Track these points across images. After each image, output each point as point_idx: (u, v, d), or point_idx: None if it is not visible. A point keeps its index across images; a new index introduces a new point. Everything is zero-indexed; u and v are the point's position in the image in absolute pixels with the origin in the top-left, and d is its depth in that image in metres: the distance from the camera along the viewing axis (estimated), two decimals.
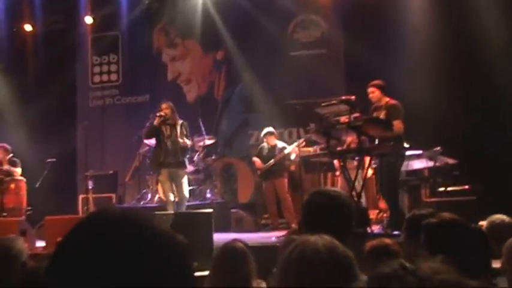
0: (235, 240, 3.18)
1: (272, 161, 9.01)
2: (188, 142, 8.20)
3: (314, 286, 1.48)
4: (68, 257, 0.94)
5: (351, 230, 2.74)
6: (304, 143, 9.04)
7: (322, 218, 2.61)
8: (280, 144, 9.27)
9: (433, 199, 7.02)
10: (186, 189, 8.11)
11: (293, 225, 8.22)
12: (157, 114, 7.99)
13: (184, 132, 8.12)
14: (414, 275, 0.82)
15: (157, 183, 9.39)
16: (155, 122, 7.97)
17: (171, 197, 8.01)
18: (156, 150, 8.13)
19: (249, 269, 3.10)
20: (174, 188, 8.18)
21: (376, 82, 7.06)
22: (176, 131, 8.01)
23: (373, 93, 6.99)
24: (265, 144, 9.33)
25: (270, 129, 9.30)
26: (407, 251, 3.24)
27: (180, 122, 8.17)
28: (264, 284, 3.15)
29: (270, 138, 9.22)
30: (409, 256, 2.86)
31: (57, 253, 0.97)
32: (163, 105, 8.12)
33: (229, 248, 3.16)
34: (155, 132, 8.01)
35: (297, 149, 8.86)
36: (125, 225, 0.96)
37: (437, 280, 0.81)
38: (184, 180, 8.08)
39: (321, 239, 1.57)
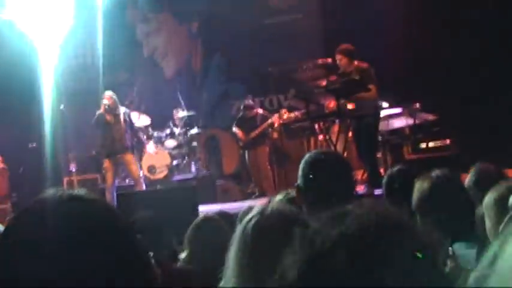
0: (207, 214, 3.18)
1: (255, 132, 9.01)
2: (134, 125, 8.73)
3: (267, 259, 1.48)
4: (16, 233, 0.95)
5: (352, 192, 2.63)
6: (286, 112, 9.01)
7: (320, 178, 2.47)
8: (260, 112, 9.27)
9: (414, 156, 7.06)
10: (137, 169, 8.44)
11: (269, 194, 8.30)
12: (103, 102, 8.24)
13: (127, 120, 8.42)
14: (355, 213, 0.82)
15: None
16: (100, 110, 8.22)
17: (111, 184, 8.26)
18: (102, 138, 8.41)
19: (223, 241, 3.09)
20: (125, 172, 8.83)
21: (342, 48, 6.92)
22: (120, 119, 8.28)
23: (341, 60, 6.89)
24: (245, 113, 9.32)
25: (250, 101, 9.34)
26: None
27: (123, 110, 8.46)
28: None
29: (251, 108, 9.23)
30: None
31: (6, 230, 0.97)
32: (106, 95, 8.37)
33: (202, 221, 3.16)
34: (101, 120, 8.25)
35: (278, 117, 8.86)
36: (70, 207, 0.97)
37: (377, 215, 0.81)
38: (133, 161, 8.41)
39: (278, 206, 1.56)
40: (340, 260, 0.76)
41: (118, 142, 8.21)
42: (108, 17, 12.19)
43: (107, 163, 8.35)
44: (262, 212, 1.56)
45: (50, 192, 1.02)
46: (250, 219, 1.56)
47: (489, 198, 2.41)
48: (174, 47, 12.14)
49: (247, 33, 10.89)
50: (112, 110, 8.23)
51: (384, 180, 3.43)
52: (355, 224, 0.79)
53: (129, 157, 8.33)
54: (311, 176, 2.45)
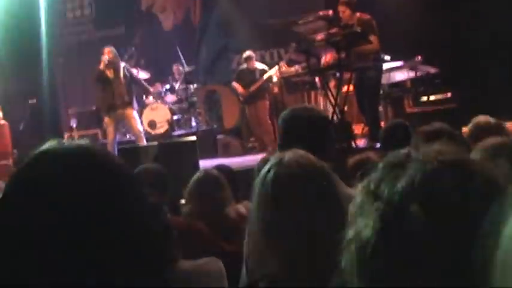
0: (206, 168, 3.18)
1: (255, 85, 8.96)
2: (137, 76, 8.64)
3: (291, 206, 1.47)
4: (17, 190, 0.92)
5: (330, 144, 2.71)
6: (284, 65, 8.94)
7: (298, 133, 2.55)
8: (260, 66, 9.20)
9: (415, 109, 7.03)
10: (137, 123, 8.31)
11: (269, 148, 8.32)
12: (103, 57, 8.10)
13: (127, 74, 8.30)
14: (417, 160, 0.80)
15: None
16: (100, 66, 8.10)
17: (112, 139, 8.21)
18: (103, 94, 8.27)
19: (223, 195, 3.12)
20: (126, 128, 8.79)
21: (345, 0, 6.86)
22: (119, 74, 8.17)
23: (343, 12, 6.83)
24: (244, 67, 9.25)
25: (250, 53, 9.22)
26: None
27: (123, 64, 8.35)
28: (243, 209, 3.17)
29: (251, 62, 9.14)
30: None
31: (7, 190, 0.94)
32: (106, 50, 8.21)
33: (201, 177, 3.17)
34: (101, 76, 8.15)
35: (277, 71, 8.79)
36: (72, 158, 0.95)
37: (440, 161, 0.79)
38: (134, 116, 8.28)
39: (294, 155, 1.54)
40: (414, 215, 0.75)
41: (118, 97, 8.13)
42: None
43: (107, 118, 8.30)
44: (280, 162, 1.53)
45: (51, 143, 0.99)
46: (269, 170, 1.53)
47: (475, 150, 2.37)
48: (172, 1, 11.96)
49: None
50: (112, 65, 8.13)
51: (381, 135, 3.43)
52: (420, 173, 0.78)
53: (130, 112, 8.26)
54: (285, 132, 2.53)
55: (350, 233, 0.84)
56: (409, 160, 0.81)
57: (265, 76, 8.92)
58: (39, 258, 0.85)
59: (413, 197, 0.76)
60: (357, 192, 0.86)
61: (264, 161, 2.24)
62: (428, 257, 0.74)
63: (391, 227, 0.77)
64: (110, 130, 8.27)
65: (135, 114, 8.35)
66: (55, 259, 0.85)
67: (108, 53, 8.13)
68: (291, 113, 2.69)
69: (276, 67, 8.92)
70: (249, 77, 9.09)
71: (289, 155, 1.55)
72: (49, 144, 0.98)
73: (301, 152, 1.58)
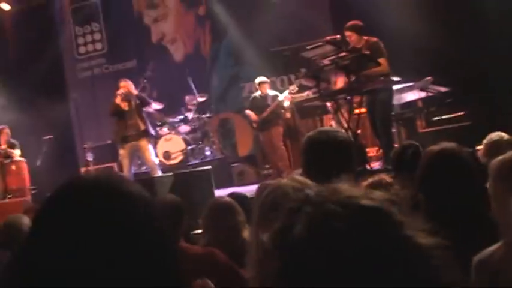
0: (219, 196, 3.20)
1: (267, 111, 9.01)
2: (151, 104, 8.70)
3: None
4: (44, 227, 0.94)
5: (352, 167, 2.70)
6: (296, 89, 9.00)
7: (320, 156, 2.56)
8: (271, 92, 9.26)
9: (428, 129, 7.02)
10: (151, 155, 8.36)
11: (284, 174, 8.29)
12: (118, 92, 8.20)
13: (139, 103, 8.34)
14: (313, 202, 0.81)
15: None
16: (117, 100, 8.19)
17: (128, 171, 8.24)
18: (117, 126, 8.37)
19: (237, 221, 3.13)
20: (141, 159, 8.86)
21: (351, 24, 6.91)
22: (133, 105, 8.25)
23: (350, 37, 6.89)
24: (256, 94, 9.32)
25: (263, 78, 9.31)
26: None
27: (135, 93, 8.42)
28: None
29: (264, 86, 9.21)
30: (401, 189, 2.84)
31: (34, 226, 0.97)
32: (121, 83, 8.34)
33: (214, 204, 3.19)
34: (117, 110, 8.25)
35: (289, 96, 8.84)
36: (96, 192, 0.97)
37: (332, 202, 0.80)
38: (148, 148, 8.33)
39: (292, 182, 1.56)
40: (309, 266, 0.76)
41: (132, 128, 8.21)
42: (113, 3, 12.23)
43: (122, 151, 8.36)
44: (278, 186, 1.55)
45: (78, 177, 1.02)
46: (268, 195, 1.55)
47: (493, 162, 2.35)
48: (182, 32, 12.12)
49: (255, 13, 10.82)
50: (127, 97, 8.23)
51: (391, 157, 3.44)
52: (310, 219, 0.79)
53: (144, 143, 8.30)
54: (310, 155, 2.54)
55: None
56: (306, 203, 0.81)
57: (277, 101, 8.97)
58: None
59: (306, 244, 0.76)
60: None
61: (263, 187, 2.26)
62: None
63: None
64: (126, 162, 8.32)
65: (149, 146, 8.39)
66: None
67: (123, 87, 8.23)
68: (315, 135, 2.67)
69: (287, 91, 8.99)
70: (261, 103, 9.14)
71: (285, 181, 1.57)
72: (71, 179, 1.01)
73: (299, 178, 1.59)
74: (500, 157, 2.56)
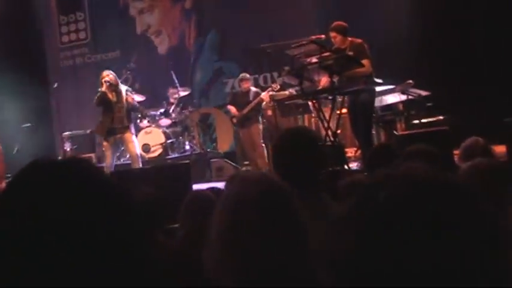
0: (198, 189, 3.18)
1: (247, 108, 9.03)
2: (134, 99, 8.51)
3: (247, 227, 1.48)
4: (5, 208, 0.92)
5: (320, 167, 2.74)
6: (278, 87, 9.03)
7: (289, 154, 2.60)
8: (253, 89, 9.30)
9: (408, 132, 7.07)
10: (135, 147, 8.29)
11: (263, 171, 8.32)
12: (103, 80, 8.05)
13: (129, 99, 8.27)
14: (395, 178, 0.84)
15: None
16: (103, 88, 8.05)
17: (110, 163, 8.17)
18: (104, 117, 8.20)
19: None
20: (124, 151, 8.83)
21: (336, 25, 6.95)
22: (122, 97, 8.15)
23: (335, 38, 6.92)
24: (238, 90, 9.36)
25: (246, 74, 9.34)
26: None
27: (125, 88, 8.34)
28: None
29: (245, 83, 9.24)
30: None
31: None
32: (105, 72, 8.19)
33: (192, 198, 3.17)
34: (104, 99, 8.10)
35: (269, 93, 8.91)
36: (62, 173, 0.95)
37: (416, 176, 0.83)
38: (132, 140, 8.28)
39: (256, 178, 1.55)
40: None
41: (118, 121, 8.12)
42: None
43: (105, 143, 8.27)
44: (241, 184, 1.55)
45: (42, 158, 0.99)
46: (231, 192, 1.55)
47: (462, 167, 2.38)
48: (167, 25, 12.06)
49: (241, 10, 10.81)
50: (114, 87, 8.11)
51: (365, 158, 3.47)
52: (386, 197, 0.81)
53: (128, 135, 8.23)
54: (280, 153, 2.59)
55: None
56: (388, 179, 0.83)
57: (258, 98, 9.01)
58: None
59: (397, 209, 0.79)
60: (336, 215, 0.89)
61: (231, 179, 2.27)
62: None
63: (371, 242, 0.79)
64: (108, 154, 8.23)
65: (133, 138, 8.34)
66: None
67: (108, 76, 8.11)
68: (284, 134, 2.74)
69: (269, 89, 9.03)
70: (242, 99, 9.18)
71: (253, 176, 1.56)
72: (38, 159, 0.99)
73: (267, 174, 1.60)
74: (469, 163, 2.60)
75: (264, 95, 9.00)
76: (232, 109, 9.27)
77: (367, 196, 0.83)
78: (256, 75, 10.70)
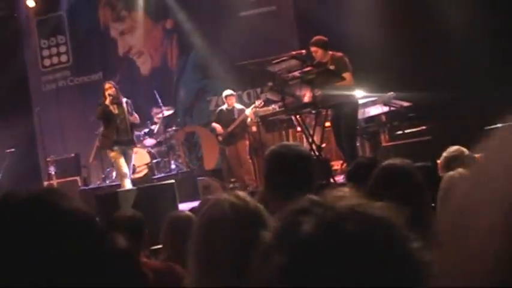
0: (179, 210, 3.18)
1: (233, 125, 9.06)
2: (137, 118, 8.34)
3: (223, 247, 1.48)
4: None
5: (313, 181, 2.74)
6: (262, 104, 9.07)
7: (281, 170, 2.60)
8: (238, 106, 9.34)
9: (392, 143, 7.11)
10: (130, 167, 8.23)
11: (249, 188, 8.34)
12: (107, 93, 7.92)
13: (130, 110, 8.18)
14: (320, 205, 0.84)
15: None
16: (107, 102, 7.91)
17: (126, 172, 7.96)
18: (107, 129, 8.07)
19: None
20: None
21: (316, 40, 6.99)
22: (124, 109, 8.03)
23: (316, 52, 6.97)
24: (223, 108, 9.39)
25: (230, 91, 9.43)
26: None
27: (125, 100, 8.19)
28: None
29: (230, 99, 9.29)
30: None
31: None
32: (107, 85, 8.07)
33: (173, 218, 3.17)
34: (106, 112, 7.98)
35: (253, 110, 8.94)
36: (30, 208, 0.96)
37: (340, 207, 0.82)
38: (132, 159, 8.26)
39: (231, 198, 1.56)
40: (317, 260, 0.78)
41: (124, 133, 7.98)
42: (79, 16, 12.13)
43: (113, 153, 7.99)
44: (215, 204, 1.55)
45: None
46: (205, 212, 1.56)
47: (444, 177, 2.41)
48: (149, 45, 12.08)
49: (222, 27, 10.87)
50: (116, 99, 7.97)
51: (348, 170, 3.49)
52: (321, 219, 0.81)
53: (131, 152, 8.15)
54: (271, 169, 2.60)
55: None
56: (313, 206, 0.84)
57: (243, 115, 9.04)
58: None
59: (316, 242, 0.79)
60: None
61: (204, 202, 2.27)
62: None
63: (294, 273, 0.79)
64: (121, 162, 7.94)
65: (133, 157, 8.27)
66: None
67: (109, 89, 7.95)
68: (276, 150, 2.73)
69: (253, 106, 9.07)
70: (227, 116, 9.21)
71: (225, 196, 1.57)
72: (6, 193, 1.01)
73: (240, 193, 1.60)
74: (451, 173, 2.62)
75: (249, 112, 9.03)
76: (217, 127, 9.29)
77: (291, 224, 0.83)
78: (240, 92, 10.73)
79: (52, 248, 0.91)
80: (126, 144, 8.03)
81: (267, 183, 2.69)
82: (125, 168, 7.93)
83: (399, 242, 0.81)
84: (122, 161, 7.94)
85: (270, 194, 2.47)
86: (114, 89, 7.98)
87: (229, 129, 9.10)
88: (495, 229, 0.53)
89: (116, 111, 7.97)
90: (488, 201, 0.56)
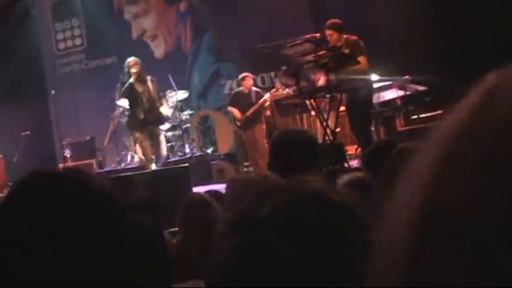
0: (196, 192, 3.18)
1: (251, 110, 9.04)
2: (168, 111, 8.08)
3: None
4: (7, 218, 0.95)
5: (315, 166, 2.76)
6: (282, 88, 9.01)
7: (286, 156, 2.63)
8: (254, 89, 9.30)
9: (407, 127, 7.07)
10: (164, 147, 7.97)
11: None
12: (131, 71, 7.53)
13: (156, 88, 7.86)
14: (282, 189, 0.85)
15: (135, 143, 9.24)
16: (132, 79, 7.47)
17: (150, 158, 7.78)
18: (133, 109, 7.64)
19: (211, 216, 3.09)
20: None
21: (331, 23, 6.94)
22: (149, 87, 7.68)
23: (331, 36, 6.91)
24: (239, 90, 9.33)
25: (246, 73, 9.33)
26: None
27: (149, 77, 7.83)
28: None
29: (248, 81, 9.22)
30: None
31: None
32: (131, 62, 7.63)
33: (190, 200, 3.17)
34: (131, 90, 7.53)
35: (271, 95, 8.92)
36: (57, 186, 0.98)
37: (300, 191, 0.84)
38: (162, 138, 7.97)
39: (259, 177, 1.56)
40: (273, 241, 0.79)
41: (150, 113, 7.59)
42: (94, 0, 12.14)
43: (139, 134, 7.73)
44: (246, 181, 1.55)
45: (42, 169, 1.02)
46: (235, 192, 1.55)
47: None
48: (163, 28, 12.06)
49: (236, 10, 10.81)
50: (141, 77, 7.58)
51: (363, 156, 3.48)
52: (281, 202, 0.82)
53: (159, 130, 7.83)
54: (273, 153, 2.63)
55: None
56: (274, 190, 0.85)
57: (262, 100, 8.99)
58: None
59: (274, 223, 0.80)
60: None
61: (231, 181, 2.28)
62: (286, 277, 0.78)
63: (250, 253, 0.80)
64: (146, 145, 7.68)
65: (162, 136, 7.98)
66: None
67: (134, 65, 7.57)
68: (279, 136, 2.77)
69: (273, 90, 9.03)
70: (245, 100, 9.16)
71: (252, 175, 1.57)
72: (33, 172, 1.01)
73: (266, 172, 1.60)
74: None
75: (268, 96, 8.98)
76: (235, 111, 9.21)
77: (251, 206, 0.84)
78: (254, 76, 10.69)
79: (80, 225, 0.92)
80: (153, 123, 7.68)
81: (270, 168, 2.72)
82: (148, 152, 7.64)
83: (353, 226, 0.81)
84: (147, 145, 7.66)
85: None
86: (138, 65, 7.59)
87: (248, 113, 9.06)
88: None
89: (141, 89, 7.58)
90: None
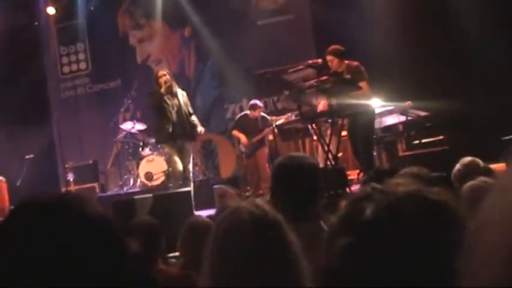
0: (197, 216, 3.19)
1: (259, 136, 9.07)
2: (202, 130, 7.70)
3: (240, 256, 1.49)
4: (3, 242, 0.96)
5: (317, 192, 2.78)
6: (292, 116, 9.02)
7: (286, 182, 2.66)
8: (261, 114, 9.33)
9: (409, 152, 7.08)
10: (191, 162, 7.54)
11: (264, 197, 8.29)
12: (161, 81, 7.19)
13: (188, 102, 7.55)
14: (381, 192, 0.88)
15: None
16: (162, 90, 7.15)
17: (180, 172, 7.34)
18: (160, 121, 7.29)
19: None
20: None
21: (332, 49, 7.00)
22: (179, 100, 7.32)
23: (332, 61, 6.97)
24: (245, 114, 9.37)
25: (257, 101, 9.31)
26: None
27: (180, 91, 7.47)
28: None
29: (258, 111, 9.23)
30: None
31: None
32: (160, 72, 7.30)
33: (191, 225, 3.18)
34: (161, 102, 7.17)
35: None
36: (53, 212, 0.99)
37: (400, 192, 0.88)
38: (191, 154, 7.56)
39: (249, 207, 1.56)
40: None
41: (179, 126, 7.22)
42: (98, 24, 12.26)
43: (168, 148, 7.37)
44: (233, 212, 1.56)
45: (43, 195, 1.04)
46: (223, 220, 1.56)
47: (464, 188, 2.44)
48: (167, 53, 12.17)
49: (239, 36, 10.92)
50: (171, 89, 7.23)
51: (364, 180, 3.50)
52: (384, 202, 0.88)
53: (189, 146, 7.40)
54: (274, 179, 2.66)
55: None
56: (374, 193, 0.90)
57: (271, 127, 8.94)
58: None
59: (377, 223, 0.85)
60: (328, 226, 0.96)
61: (222, 209, 2.30)
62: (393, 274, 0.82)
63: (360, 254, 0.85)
64: (175, 159, 7.24)
65: (191, 152, 7.58)
66: None
67: (163, 76, 7.22)
68: (281, 161, 2.79)
69: (283, 116, 9.01)
70: (252, 125, 9.17)
71: (244, 204, 1.58)
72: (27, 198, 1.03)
73: (258, 201, 1.61)
74: (473, 182, 2.62)
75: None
76: (241, 137, 9.20)
77: (354, 209, 0.89)
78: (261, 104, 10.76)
79: (72, 249, 0.93)
80: (182, 138, 7.29)
81: (273, 196, 2.75)
82: (180, 166, 7.24)
83: (454, 224, 0.85)
84: (176, 159, 7.25)
85: (275, 204, 2.51)
86: (168, 76, 7.25)
87: (255, 139, 9.07)
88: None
89: (171, 102, 7.24)
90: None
